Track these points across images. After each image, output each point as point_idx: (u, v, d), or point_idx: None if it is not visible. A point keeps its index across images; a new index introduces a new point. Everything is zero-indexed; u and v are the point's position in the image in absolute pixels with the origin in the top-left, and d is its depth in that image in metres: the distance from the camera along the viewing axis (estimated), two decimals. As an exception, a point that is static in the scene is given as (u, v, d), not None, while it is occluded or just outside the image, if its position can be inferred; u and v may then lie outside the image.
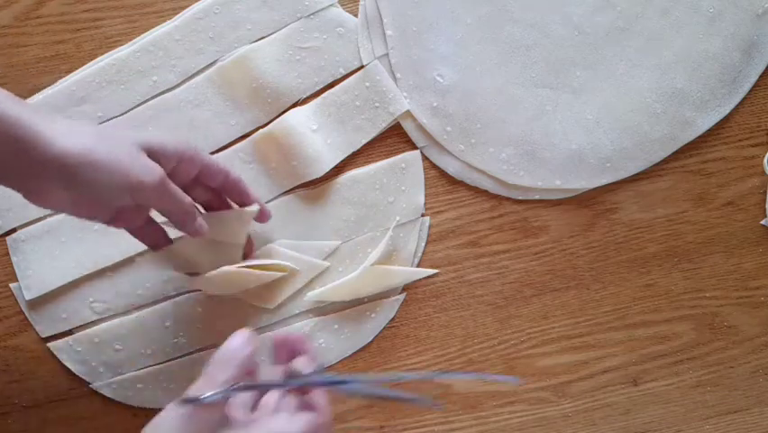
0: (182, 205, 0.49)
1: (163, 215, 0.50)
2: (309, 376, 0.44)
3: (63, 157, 0.42)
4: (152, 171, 0.46)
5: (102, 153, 0.44)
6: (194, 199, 0.52)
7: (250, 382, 0.44)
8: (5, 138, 0.41)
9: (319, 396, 0.44)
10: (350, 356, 0.60)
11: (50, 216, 0.59)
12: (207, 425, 0.41)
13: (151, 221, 0.53)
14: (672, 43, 0.60)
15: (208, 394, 0.41)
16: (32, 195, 0.45)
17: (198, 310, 0.59)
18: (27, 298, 0.58)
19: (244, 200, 0.55)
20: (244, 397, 0.43)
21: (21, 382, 0.59)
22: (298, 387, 0.44)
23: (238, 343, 0.44)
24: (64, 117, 0.51)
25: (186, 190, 0.50)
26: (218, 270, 0.55)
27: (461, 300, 0.61)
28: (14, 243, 0.59)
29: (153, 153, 0.47)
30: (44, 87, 0.59)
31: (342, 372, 0.60)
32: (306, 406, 0.44)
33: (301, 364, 0.45)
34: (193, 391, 0.42)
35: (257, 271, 0.57)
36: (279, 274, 0.58)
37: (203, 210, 0.55)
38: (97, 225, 0.57)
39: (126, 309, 0.59)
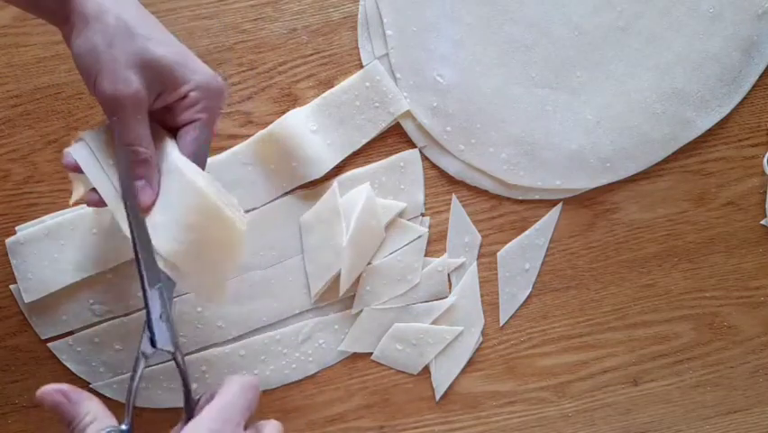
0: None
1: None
2: None
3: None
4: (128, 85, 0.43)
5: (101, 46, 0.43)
6: None
7: None
8: None
9: None
10: (350, 357, 0.60)
11: (49, 218, 0.59)
12: None
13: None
14: (672, 43, 0.60)
15: None
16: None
17: (198, 310, 0.59)
18: (26, 300, 0.58)
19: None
20: None
21: (21, 382, 0.59)
22: None
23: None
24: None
25: None
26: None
27: (461, 300, 0.61)
28: (14, 245, 0.58)
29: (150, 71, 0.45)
30: (44, 87, 0.60)
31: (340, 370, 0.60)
32: None
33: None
34: None
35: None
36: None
37: None
38: (96, 229, 0.58)
39: (126, 312, 0.59)
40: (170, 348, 0.47)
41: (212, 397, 0.43)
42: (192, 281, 0.49)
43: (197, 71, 0.47)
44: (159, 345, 0.46)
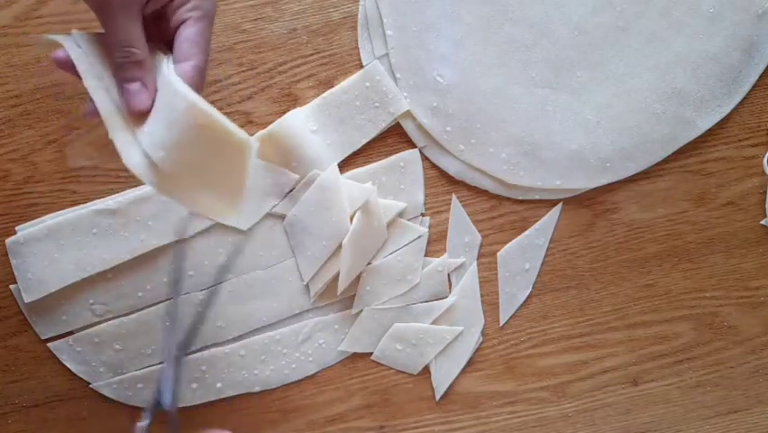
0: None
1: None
2: None
3: None
4: None
5: None
6: None
7: None
8: None
9: None
10: (350, 357, 0.60)
11: (49, 218, 0.59)
12: None
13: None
14: (672, 43, 0.60)
15: None
16: None
17: (198, 310, 0.59)
18: (26, 300, 0.58)
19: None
20: None
21: (21, 382, 0.59)
22: None
23: None
24: None
25: None
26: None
27: (461, 300, 0.61)
28: (14, 245, 0.58)
29: None
30: (44, 87, 0.59)
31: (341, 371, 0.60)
32: None
33: None
34: None
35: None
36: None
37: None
38: (96, 229, 0.58)
39: (126, 311, 0.59)
40: (172, 408, 0.49)
41: None
42: (195, 198, 0.45)
43: None
44: (165, 406, 0.49)
